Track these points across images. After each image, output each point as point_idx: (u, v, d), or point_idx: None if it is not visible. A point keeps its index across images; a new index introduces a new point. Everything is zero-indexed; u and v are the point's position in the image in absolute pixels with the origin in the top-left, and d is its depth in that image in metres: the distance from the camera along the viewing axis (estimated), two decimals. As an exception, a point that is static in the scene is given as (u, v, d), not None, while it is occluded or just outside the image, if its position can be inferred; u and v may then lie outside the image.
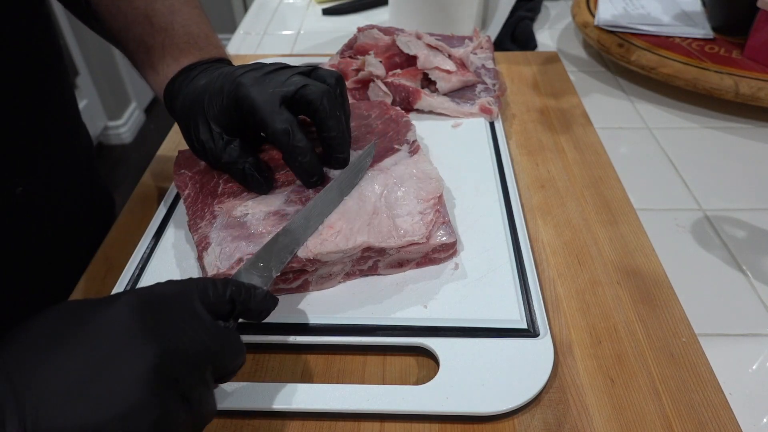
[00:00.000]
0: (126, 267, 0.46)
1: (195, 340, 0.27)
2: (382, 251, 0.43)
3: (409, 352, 0.41)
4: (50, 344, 0.23)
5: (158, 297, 0.27)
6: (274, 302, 0.35)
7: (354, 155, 0.50)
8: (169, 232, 0.50)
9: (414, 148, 0.52)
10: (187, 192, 0.49)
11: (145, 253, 0.48)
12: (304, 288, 0.44)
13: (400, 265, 0.45)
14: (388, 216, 0.44)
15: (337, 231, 0.43)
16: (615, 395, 0.38)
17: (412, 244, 0.43)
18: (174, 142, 0.66)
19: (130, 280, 0.45)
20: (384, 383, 0.39)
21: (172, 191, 0.54)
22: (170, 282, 0.30)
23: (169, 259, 0.47)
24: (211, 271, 0.41)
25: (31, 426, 0.20)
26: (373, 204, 0.45)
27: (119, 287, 0.45)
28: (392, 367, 0.40)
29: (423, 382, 0.38)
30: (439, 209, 0.46)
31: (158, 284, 0.29)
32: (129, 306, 0.26)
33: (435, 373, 0.38)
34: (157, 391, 0.23)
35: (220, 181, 0.48)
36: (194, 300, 0.29)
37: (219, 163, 0.46)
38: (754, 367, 0.42)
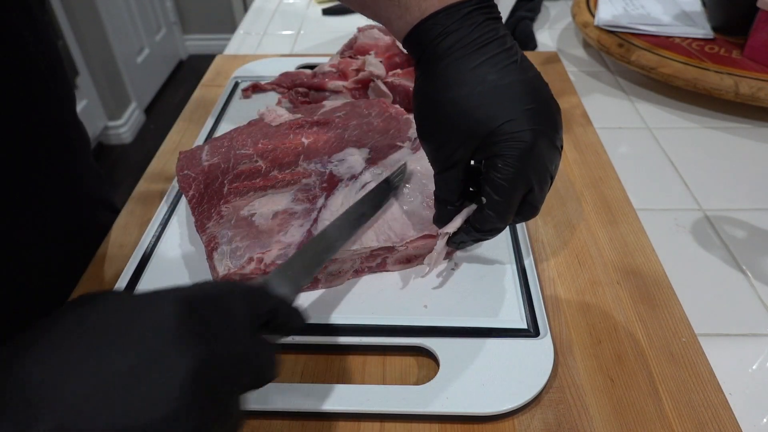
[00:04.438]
0: (126, 267, 0.46)
1: (236, 349, 0.26)
2: (391, 248, 0.44)
3: (409, 352, 0.41)
4: (92, 338, 0.22)
5: (203, 298, 0.26)
6: (304, 322, 0.33)
7: (383, 169, 0.49)
8: (169, 232, 0.50)
9: (416, 145, 0.52)
10: (191, 193, 0.49)
11: (145, 252, 0.48)
12: (313, 286, 0.44)
13: (409, 260, 0.45)
14: (396, 213, 0.45)
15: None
16: (615, 395, 0.38)
17: (420, 239, 0.43)
18: (174, 142, 0.66)
19: (130, 280, 0.45)
20: (384, 383, 0.39)
21: (173, 191, 0.54)
22: (215, 283, 0.29)
23: (169, 259, 0.47)
24: (222, 271, 0.41)
25: (71, 425, 0.20)
26: None
27: (119, 287, 0.45)
28: (392, 367, 0.40)
29: (423, 382, 0.38)
30: None
31: (204, 283, 0.28)
32: (175, 306, 0.25)
33: (435, 373, 0.38)
34: (197, 397, 0.23)
35: (225, 182, 0.48)
36: (238, 306, 0.28)
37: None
38: (754, 367, 0.42)
